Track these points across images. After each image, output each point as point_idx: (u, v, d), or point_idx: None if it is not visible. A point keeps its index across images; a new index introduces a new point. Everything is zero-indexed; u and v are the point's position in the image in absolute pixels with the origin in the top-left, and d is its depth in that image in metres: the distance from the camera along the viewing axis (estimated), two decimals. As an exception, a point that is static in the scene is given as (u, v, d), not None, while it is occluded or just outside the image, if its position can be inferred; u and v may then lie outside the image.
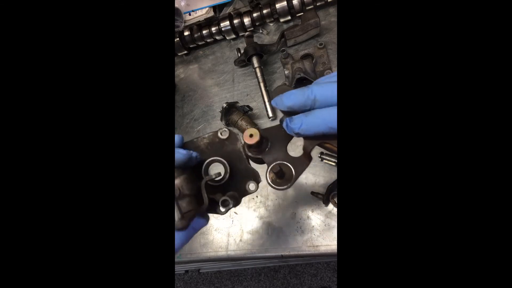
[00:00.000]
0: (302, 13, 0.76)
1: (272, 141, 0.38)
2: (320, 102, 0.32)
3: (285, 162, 0.37)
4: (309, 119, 0.32)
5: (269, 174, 0.37)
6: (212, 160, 0.40)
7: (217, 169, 0.39)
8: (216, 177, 0.37)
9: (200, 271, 1.76)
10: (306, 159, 0.37)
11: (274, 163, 0.37)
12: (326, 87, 0.32)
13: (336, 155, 0.60)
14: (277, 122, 0.45)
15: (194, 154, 0.37)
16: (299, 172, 0.36)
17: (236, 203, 0.39)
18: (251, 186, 0.39)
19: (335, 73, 0.36)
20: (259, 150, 0.38)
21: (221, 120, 0.74)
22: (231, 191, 0.39)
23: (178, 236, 0.34)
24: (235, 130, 0.73)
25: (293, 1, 0.75)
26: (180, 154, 0.35)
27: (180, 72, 0.89)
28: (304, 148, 0.36)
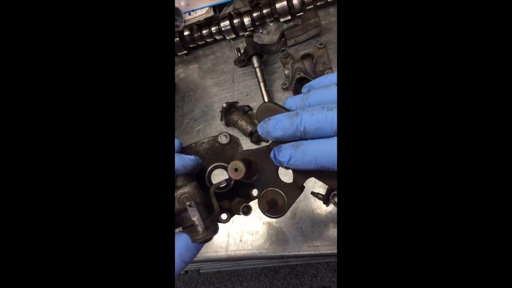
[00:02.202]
0: (302, 13, 0.76)
1: (262, 164, 0.35)
2: (310, 134, 0.29)
3: (277, 190, 0.34)
4: (299, 154, 0.29)
5: (261, 202, 0.34)
6: (216, 166, 0.38)
7: (217, 176, 0.37)
8: (224, 184, 0.35)
9: (200, 271, 1.76)
10: (299, 189, 0.34)
11: (266, 190, 0.34)
12: (316, 116, 0.28)
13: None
14: None
15: (200, 160, 0.37)
16: (291, 201, 0.34)
17: (248, 209, 0.37)
18: (254, 191, 0.37)
19: (330, 76, 0.33)
20: (248, 176, 0.35)
21: (221, 120, 0.74)
22: (237, 197, 0.38)
23: (196, 248, 0.32)
24: (235, 134, 0.73)
25: (293, 1, 0.75)
26: (188, 160, 0.34)
27: (180, 72, 0.89)
28: (294, 181, 0.33)
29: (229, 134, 0.38)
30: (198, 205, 0.31)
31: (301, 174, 0.32)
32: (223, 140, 0.38)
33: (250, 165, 0.34)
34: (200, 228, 0.31)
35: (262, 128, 0.31)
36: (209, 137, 0.39)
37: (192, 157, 0.34)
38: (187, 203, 0.31)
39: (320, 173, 0.31)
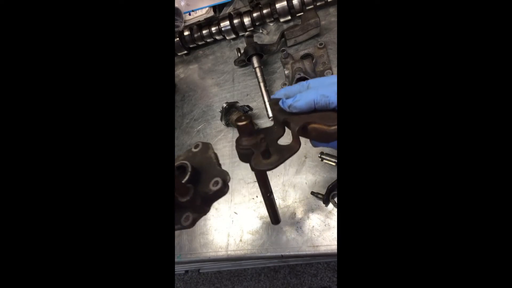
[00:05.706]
0: (302, 13, 0.76)
1: (266, 135, 0.40)
2: (314, 86, 0.37)
3: (273, 149, 0.38)
4: (303, 94, 0.37)
5: (255, 158, 0.38)
6: (178, 164, 0.43)
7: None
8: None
9: (200, 271, 1.75)
10: (295, 143, 0.37)
11: (263, 149, 0.37)
12: (320, 78, 0.38)
13: (336, 155, 0.60)
14: None
15: None
16: (285, 156, 0.37)
17: (199, 208, 0.40)
18: (213, 184, 0.40)
19: (334, 76, 0.40)
20: (250, 142, 0.40)
21: (221, 120, 0.74)
22: (201, 192, 0.41)
23: None
24: (235, 134, 0.72)
25: (293, 1, 0.75)
26: None
27: (180, 72, 0.89)
28: (292, 129, 0.37)
29: (201, 142, 0.46)
30: None
31: (298, 119, 0.37)
32: (196, 149, 0.46)
33: (252, 123, 0.40)
34: None
35: (276, 93, 0.42)
36: (185, 151, 0.46)
37: None
38: None
39: (317, 117, 0.36)
